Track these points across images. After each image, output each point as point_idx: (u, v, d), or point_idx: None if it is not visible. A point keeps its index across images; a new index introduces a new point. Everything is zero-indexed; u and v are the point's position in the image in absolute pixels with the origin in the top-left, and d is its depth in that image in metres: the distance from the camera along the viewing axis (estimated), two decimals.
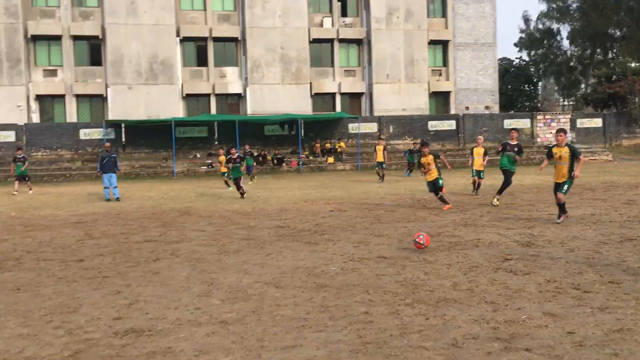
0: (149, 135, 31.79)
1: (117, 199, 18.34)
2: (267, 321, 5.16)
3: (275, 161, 32.02)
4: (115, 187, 18.84)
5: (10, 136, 30.73)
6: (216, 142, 31.99)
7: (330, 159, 32.65)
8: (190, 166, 31.15)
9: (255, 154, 32.70)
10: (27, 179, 22.23)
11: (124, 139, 31.68)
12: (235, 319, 5.24)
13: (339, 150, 33.40)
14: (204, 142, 32.98)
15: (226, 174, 21.20)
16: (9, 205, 17.25)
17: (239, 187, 17.82)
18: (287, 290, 6.25)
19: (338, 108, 36.92)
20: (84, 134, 31.64)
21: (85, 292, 6.50)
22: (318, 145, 33.52)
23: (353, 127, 34.34)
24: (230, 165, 18.77)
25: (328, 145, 33.73)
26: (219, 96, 36.02)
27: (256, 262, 7.93)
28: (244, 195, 17.58)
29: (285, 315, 5.32)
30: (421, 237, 8.22)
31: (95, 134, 31.81)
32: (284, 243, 9.39)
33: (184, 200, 17.66)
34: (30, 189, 22.08)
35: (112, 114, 33.28)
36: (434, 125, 35.12)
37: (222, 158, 22.18)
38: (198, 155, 31.92)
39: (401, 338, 4.58)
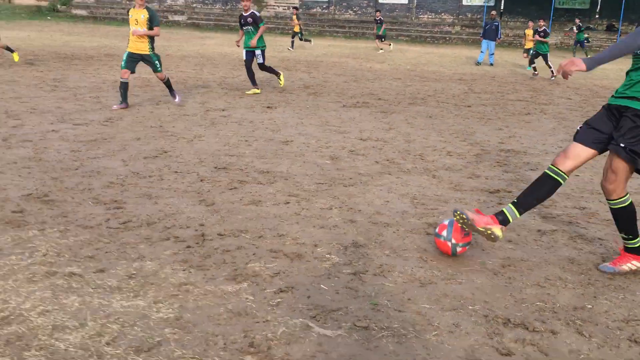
0: (526, 4, 32.28)
1: (491, 64, 20.49)
2: None
3: None
4: (492, 54, 20.91)
5: None
6: (596, 16, 30.66)
7: None
8: (564, 38, 30.93)
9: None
10: (383, 39, 25.21)
11: (502, 7, 32.90)
12: None
13: None
14: (583, 15, 31.89)
15: (531, 50, 18.67)
16: (403, 60, 21.07)
17: (547, 64, 16.92)
18: None
19: None
20: (467, 0, 33.91)
21: (476, 126, 9.01)
22: None
23: None
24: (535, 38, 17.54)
25: None
26: None
27: None
28: (554, 74, 16.45)
29: None
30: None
31: (476, 0, 33.77)
32: None
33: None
34: (389, 45, 25.30)
35: None
36: None
37: (529, 31, 20.21)
38: (574, 29, 31.30)
39: None
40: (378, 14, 25.70)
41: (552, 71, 16.71)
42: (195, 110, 9.11)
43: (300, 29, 24.26)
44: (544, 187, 3.68)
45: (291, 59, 19.24)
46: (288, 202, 4.83)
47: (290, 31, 24.33)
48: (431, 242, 4.06)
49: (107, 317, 2.88)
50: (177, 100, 9.52)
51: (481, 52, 21.06)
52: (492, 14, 22.23)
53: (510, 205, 3.74)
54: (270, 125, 8.17)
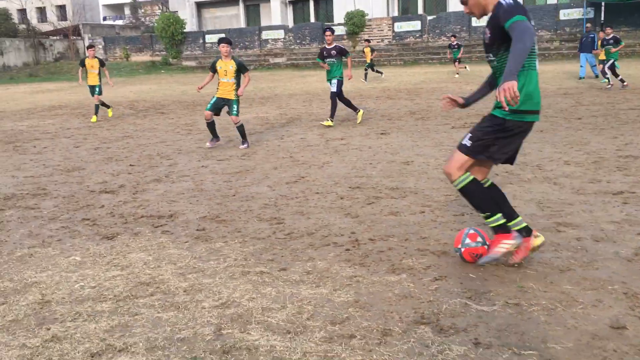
0: (629, 13, 31.17)
1: (596, 76, 20.03)
2: None
3: None
4: (594, 65, 20.44)
5: None
6: None
7: None
8: None
9: None
10: (459, 62, 24.74)
11: (602, 18, 31.96)
12: None
13: None
14: None
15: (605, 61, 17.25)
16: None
17: (607, 70, 16.50)
18: None
19: None
20: (564, 14, 33.30)
21: (590, 136, 9.14)
22: None
23: None
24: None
25: None
26: None
27: None
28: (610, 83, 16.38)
29: None
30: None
31: (574, 14, 33.07)
32: None
33: None
34: (465, 67, 24.98)
35: None
36: None
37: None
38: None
39: None
40: (453, 39, 25.82)
41: (607, 78, 16.66)
42: (316, 141, 9.96)
43: (372, 60, 24.08)
44: (492, 194, 3.99)
45: (391, 89, 19.94)
46: (423, 212, 5.40)
47: (370, 62, 23.91)
48: (563, 238, 4.47)
49: (300, 301, 3.58)
50: (244, 146, 9.54)
51: (581, 66, 20.70)
52: (587, 27, 22.11)
53: (507, 224, 3.89)
54: (388, 149, 8.81)
